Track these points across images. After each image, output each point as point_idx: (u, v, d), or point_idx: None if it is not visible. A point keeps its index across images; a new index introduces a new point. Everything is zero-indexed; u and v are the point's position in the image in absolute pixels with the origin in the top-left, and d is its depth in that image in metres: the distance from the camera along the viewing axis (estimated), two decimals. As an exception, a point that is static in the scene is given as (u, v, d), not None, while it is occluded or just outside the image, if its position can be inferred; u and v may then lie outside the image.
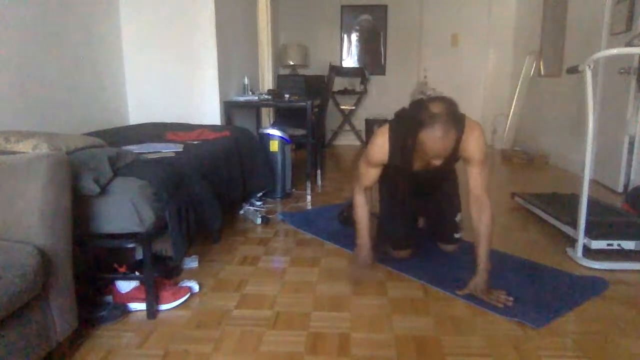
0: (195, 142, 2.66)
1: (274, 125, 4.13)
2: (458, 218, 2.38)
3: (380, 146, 1.98)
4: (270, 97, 3.94)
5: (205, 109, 3.67)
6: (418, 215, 2.66)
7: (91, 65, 3.09)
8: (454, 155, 1.93)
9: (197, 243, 2.51)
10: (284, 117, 4.81)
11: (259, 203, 3.30)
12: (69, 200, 1.47)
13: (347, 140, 6.67)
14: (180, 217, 1.89)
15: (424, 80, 6.58)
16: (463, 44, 6.53)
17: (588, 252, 2.32)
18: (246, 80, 4.10)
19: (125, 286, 1.85)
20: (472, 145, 1.89)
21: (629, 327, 1.73)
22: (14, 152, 1.67)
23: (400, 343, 1.63)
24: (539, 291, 1.99)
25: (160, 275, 1.94)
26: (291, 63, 6.21)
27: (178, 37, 3.56)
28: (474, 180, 1.94)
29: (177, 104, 3.65)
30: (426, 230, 2.65)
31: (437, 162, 1.80)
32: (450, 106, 1.74)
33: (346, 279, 2.13)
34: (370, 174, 2.08)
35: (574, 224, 2.41)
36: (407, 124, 1.82)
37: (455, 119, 1.75)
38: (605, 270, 2.22)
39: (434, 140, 1.71)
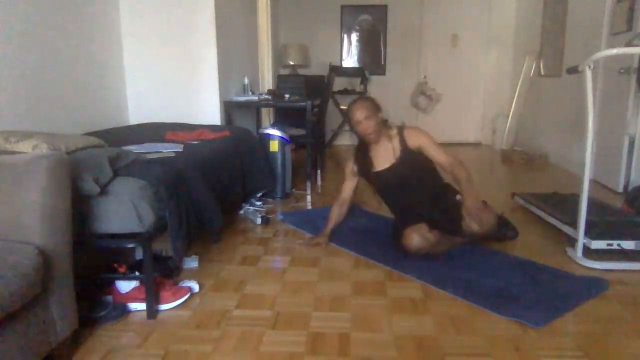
0: (195, 142, 2.66)
1: (274, 125, 4.13)
2: (459, 197, 2.38)
3: (349, 161, 2.66)
4: (270, 97, 3.94)
5: (205, 109, 3.67)
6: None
7: (91, 65, 3.09)
8: (406, 150, 2.44)
9: (197, 243, 2.51)
10: (284, 117, 4.81)
11: (259, 203, 3.30)
12: (68, 200, 1.47)
13: (347, 140, 6.66)
14: (180, 217, 1.89)
15: (424, 80, 6.59)
16: (463, 44, 6.53)
17: (588, 252, 2.32)
18: (246, 80, 4.10)
19: (125, 286, 1.85)
20: (415, 136, 2.46)
21: (629, 327, 1.73)
22: (14, 152, 1.67)
23: (400, 343, 1.63)
24: (539, 291, 1.99)
25: (160, 275, 1.94)
26: (291, 63, 6.20)
27: (178, 37, 3.56)
28: (436, 157, 2.42)
29: (177, 104, 3.65)
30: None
31: (364, 129, 2.42)
32: (367, 97, 2.57)
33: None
34: (344, 186, 2.68)
35: (574, 224, 2.41)
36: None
37: (366, 98, 2.56)
38: (605, 270, 2.22)
39: (352, 108, 2.47)
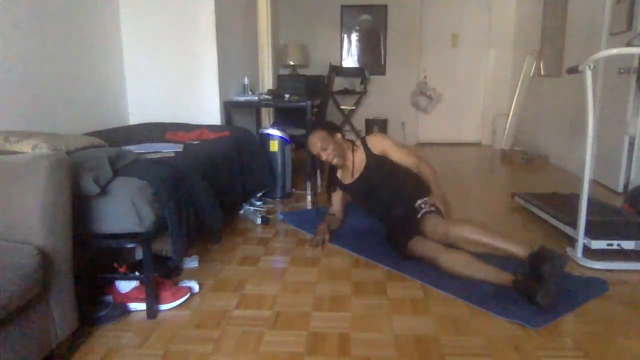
0: (195, 142, 2.66)
1: (274, 125, 4.12)
2: (417, 203, 2.38)
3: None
4: (270, 97, 3.93)
5: (205, 109, 3.67)
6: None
7: (91, 66, 3.09)
8: (372, 157, 2.54)
9: (197, 243, 2.51)
10: (284, 117, 4.80)
11: (259, 203, 3.30)
12: (69, 200, 1.47)
13: (347, 140, 6.66)
14: (180, 217, 1.89)
15: (424, 80, 6.59)
16: (463, 44, 6.53)
17: (588, 252, 2.32)
18: (246, 80, 4.10)
19: (125, 286, 1.85)
20: (377, 142, 2.58)
21: (629, 327, 1.73)
22: (14, 152, 1.67)
23: (400, 343, 1.63)
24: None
25: (160, 275, 1.94)
26: (291, 63, 6.20)
27: (178, 37, 3.56)
28: (401, 159, 2.54)
29: (177, 104, 3.64)
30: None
31: (327, 159, 2.53)
32: (320, 123, 2.90)
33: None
34: (333, 198, 2.79)
35: (574, 224, 2.41)
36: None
37: (319, 127, 2.63)
38: (606, 270, 2.22)
39: (308, 143, 2.59)
